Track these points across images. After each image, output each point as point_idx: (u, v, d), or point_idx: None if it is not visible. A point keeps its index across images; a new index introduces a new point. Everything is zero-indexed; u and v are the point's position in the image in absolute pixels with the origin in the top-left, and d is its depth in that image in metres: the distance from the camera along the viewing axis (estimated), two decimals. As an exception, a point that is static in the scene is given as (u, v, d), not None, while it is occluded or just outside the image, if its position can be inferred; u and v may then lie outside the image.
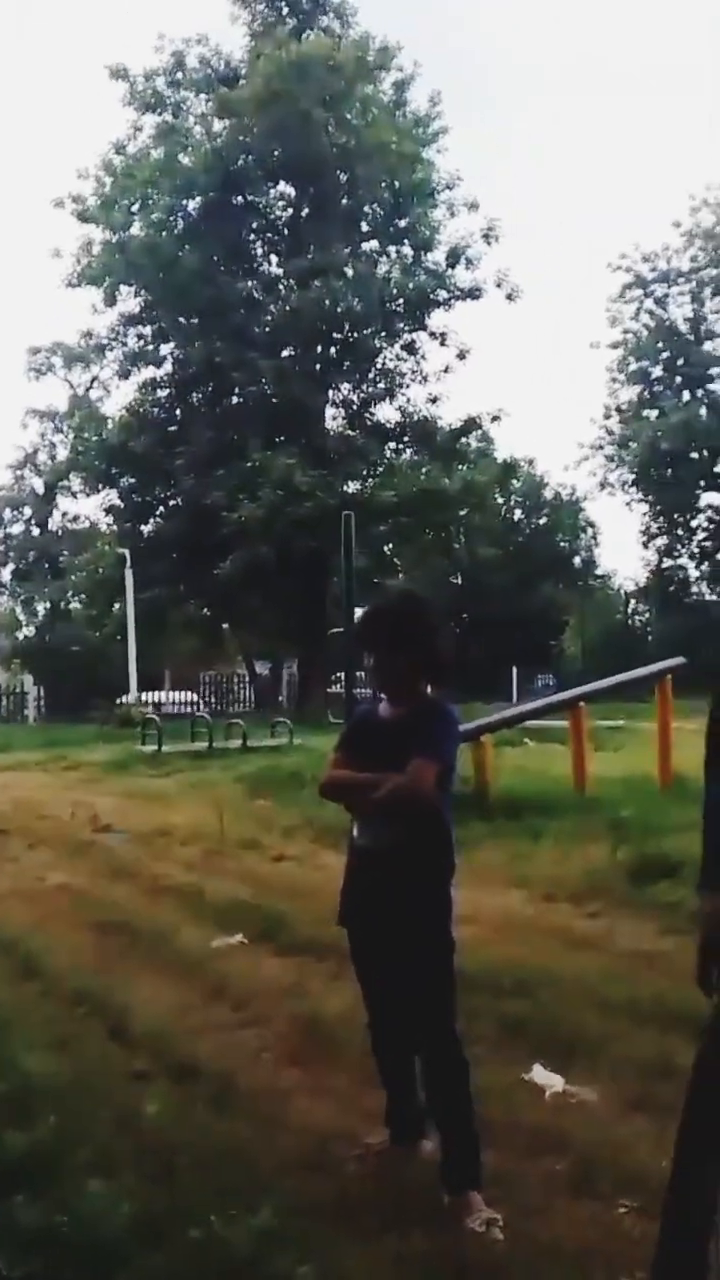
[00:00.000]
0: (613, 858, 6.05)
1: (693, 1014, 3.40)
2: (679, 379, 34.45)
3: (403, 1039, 2.63)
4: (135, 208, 25.41)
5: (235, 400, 26.13)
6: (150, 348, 27.05)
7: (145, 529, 27.30)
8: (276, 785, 10.36)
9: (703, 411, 33.07)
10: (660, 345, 34.39)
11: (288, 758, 12.89)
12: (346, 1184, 2.52)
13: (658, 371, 34.79)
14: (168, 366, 27.15)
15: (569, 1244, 2.24)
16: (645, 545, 36.92)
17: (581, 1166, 2.59)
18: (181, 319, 25.89)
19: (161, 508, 27.32)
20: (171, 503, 26.64)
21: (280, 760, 12.66)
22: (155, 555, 25.90)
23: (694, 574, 36.75)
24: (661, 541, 36.58)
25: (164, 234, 25.09)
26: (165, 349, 26.97)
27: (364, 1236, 2.25)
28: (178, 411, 27.03)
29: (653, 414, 34.06)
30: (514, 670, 31.79)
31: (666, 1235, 1.59)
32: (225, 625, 29.79)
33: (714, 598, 35.81)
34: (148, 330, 26.88)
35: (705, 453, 33.74)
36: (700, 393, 34.19)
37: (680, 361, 34.16)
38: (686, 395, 34.21)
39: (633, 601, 40.39)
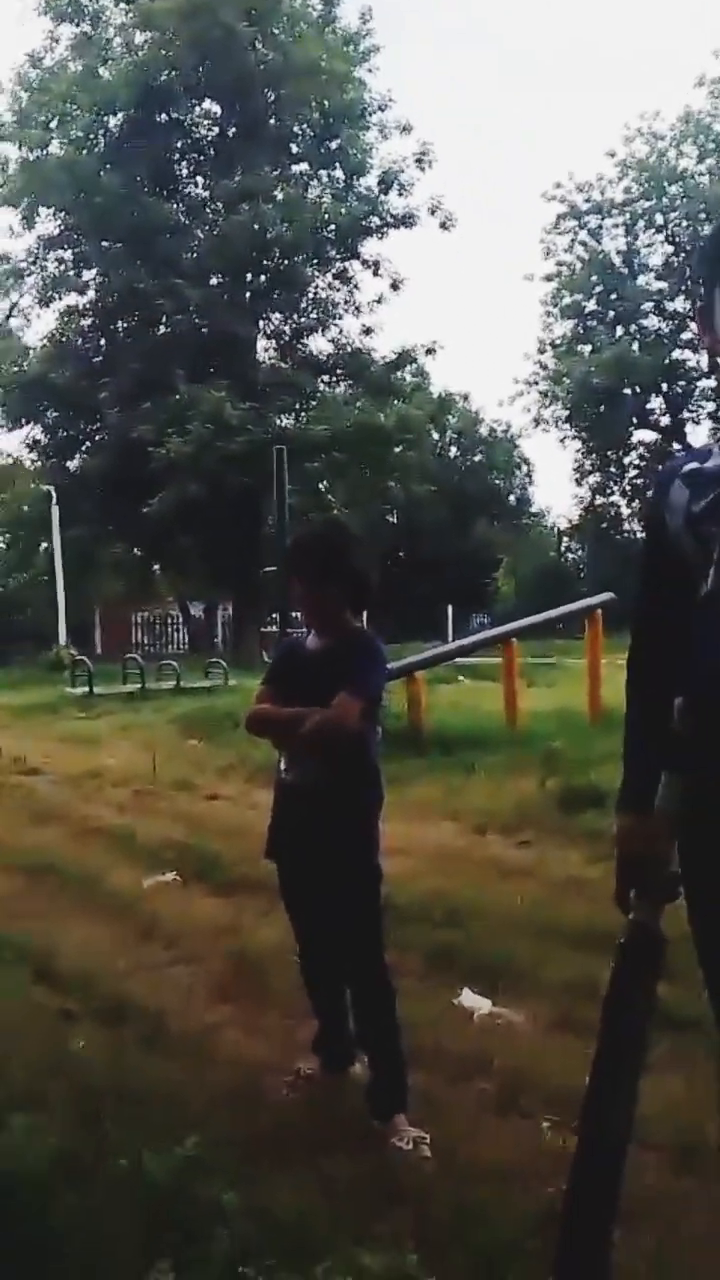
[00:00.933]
0: (542, 789, 6.15)
1: (614, 936, 3.51)
2: (612, 313, 34.37)
3: (332, 969, 2.66)
4: (53, 124, 24.31)
5: (162, 330, 25.34)
6: (71, 273, 26.16)
7: (70, 465, 26.59)
8: (210, 726, 10.32)
9: (635, 347, 33.10)
10: (594, 279, 34.19)
11: (222, 699, 12.85)
12: (275, 1114, 2.54)
13: (591, 305, 34.64)
14: (90, 294, 26.27)
15: (495, 1160, 2.30)
16: (578, 483, 37.19)
17: (507, 1086, 2.66)
18: (104, 243, 24.93)
19: (87, 443, 26.58)
20: (97, 438, 25.93)
21: (214, 701, 12.62)
22: (81, 493, 25.24)
23: (626, 511, 37.12)
24: (594, 479, 36.86)
25: (84, 152, 24.07)
26: (88, 275, 26.10)
27: (291, 1163, 2.28)
28: (102, 342, 26.22)
29: (586, 349, 33.99)
30: (449, 609, 31.99)
31: (584, 1147, 1.63)
32: (156, 566, 29.26)
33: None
34: (68, 255, 25.96)
35: (637, 389, 33.87)
36: (633, 328, 34.21)
37: (613, 296, 34.04)
38: (619, 330, 34.18)
39: (566, 539, 40.75)
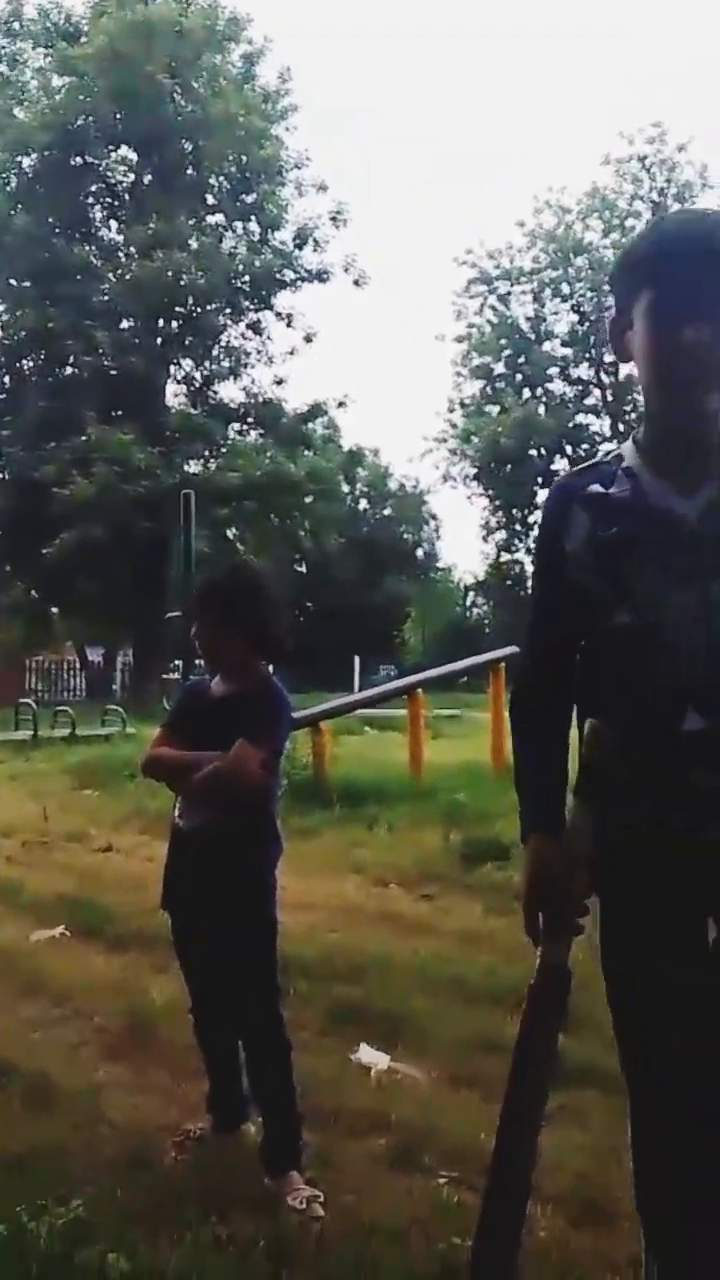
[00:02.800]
0: (445, 842, 6.15)
1: (514, 990, 3.50)
2: (519, 377, 35.49)
3: (225, 1023, 2.58)
4: (-37, 163, 24.13)
5: (70, 371, 25.13)
6: (-23, 310, 25.78)
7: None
8: (106, 775, 10.05)
9: (541, 410, 34.19)
10: (503, 342, 35.32)
11: (119, 747, 12.55)
12: (165, 1174, 2.45)
13: (500, 368, 35.74)
14: (-3, 331, 25.94)
15: (390, 1217, 2.25)
16: (485, 539, 37.98)
17: (405, 1142, 2.61)
18: (12, 281, 24.69)
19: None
20: (-2, 476, 25.44)
21: (111, 750, 12.31)
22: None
23: (530, 569, 37.92)
24: (500, 536, 37.70)
25: (-5, 192, 23.94)
26: (-6, 313, 25.75)
27: (182, 1223, 2.19)
28: (7, 379, 25.83)
29: (494, 410, 34.97)
30: (356, 660, 32.12)
31: (489, 1201, 1.59)
32: (54, 610, 28.56)
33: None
34: (-24, 293, 25.60)
35: (543, 450, 34.92)
36: (540, 391, 35.35)
37: (521, 360, 35.20)
38: (526, 393, 35.30)
39: (471, 594, 41.49)
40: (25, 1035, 3.38)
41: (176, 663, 19.75)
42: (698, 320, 1.39)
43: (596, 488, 1.55)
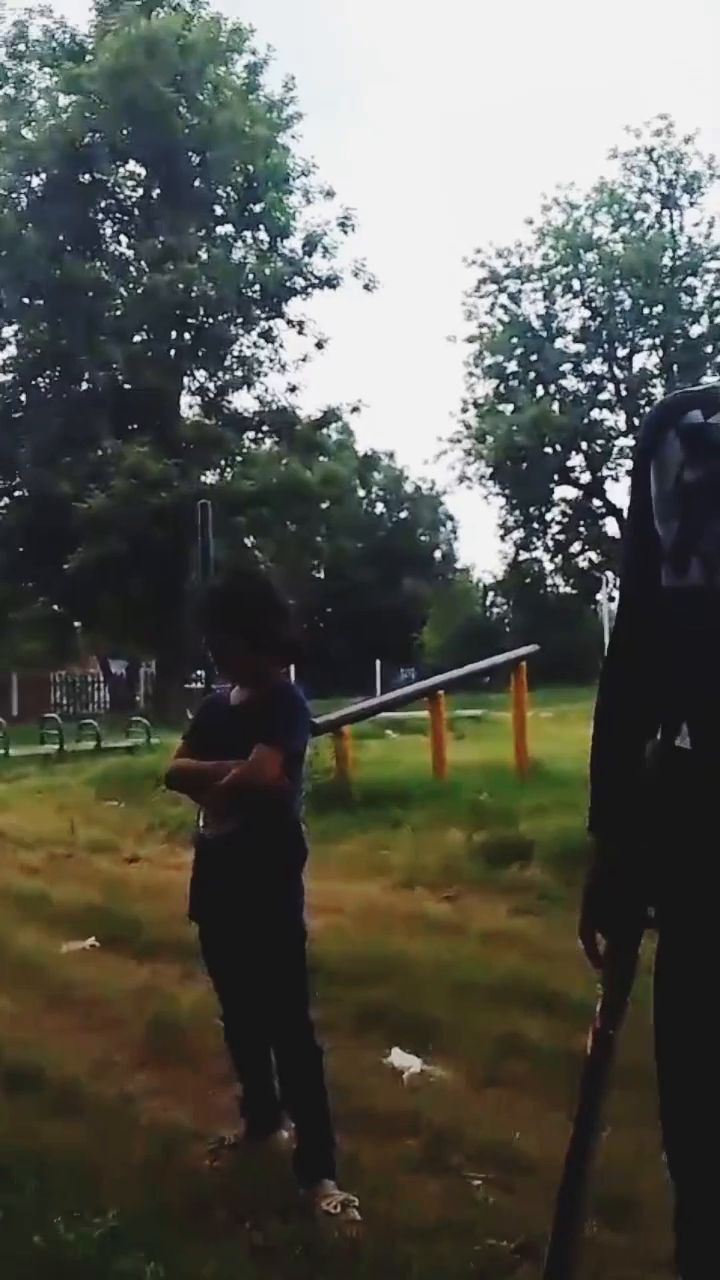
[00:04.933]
0: (469, 843, 6.14)
1: (541, 989, 3.51)
2: (532, 374, 35.41)
3: (256, 1031, 2.58)
4: (-27, 182, 24.38)
5: (84, 386, 25.28)
6: (-9, 329, 26.01)
7: (-14, 520, 26.20)
8: (130, 786, 10.11)
9: (555, 407, 34.11)
10: (514, 341, 35.25)
11: (143, 758, 12.61)
12: (198, 1182, 2.45)
13: (512, 367, 35.66)
14: (11, 350, 26.06)
15: (425, 1219, 2.25)
16: (502, 539, 37.89)
17: (437, 1144, 2.61)
18: (25, 299, 24.90)
19: (5, 498, 26.18)
20: (16, 493, 25.58)
21: (135, 761, 12.38)
22: (-2, 548, 24.89)
23: (549, 566, 37.90)
24: (518, 535, 37.61)
25: (5, 210, 24.10)
26: (8, 331, 25.88)
27: (217, 1232, 2.20)
28: (23, 397, 25.99)
29: (508, 408, 34.90)
30: (377, 664, 32.14)
31: (565, 1201, 1.59)
32: (77, 624, 28.73)
33: (568, 590, 36.99)
34: (-12, 311, 25.85)
35: (558, 447, 34.83)
36: (553, 388, 35.26)
37: (533, 358, 35.12)
38: (540, 391, 35.22)
39: (490, 594, 41.37)
40: (56, 1045, 3.41)
41: (199, 672, 19.84)
42: None
43: (696, 416, 1.35)
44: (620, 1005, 1.52)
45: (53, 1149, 2.55)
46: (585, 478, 36.06)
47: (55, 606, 26.76)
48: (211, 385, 26.85)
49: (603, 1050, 1.55)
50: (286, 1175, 2.44)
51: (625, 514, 1.46)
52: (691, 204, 34.00)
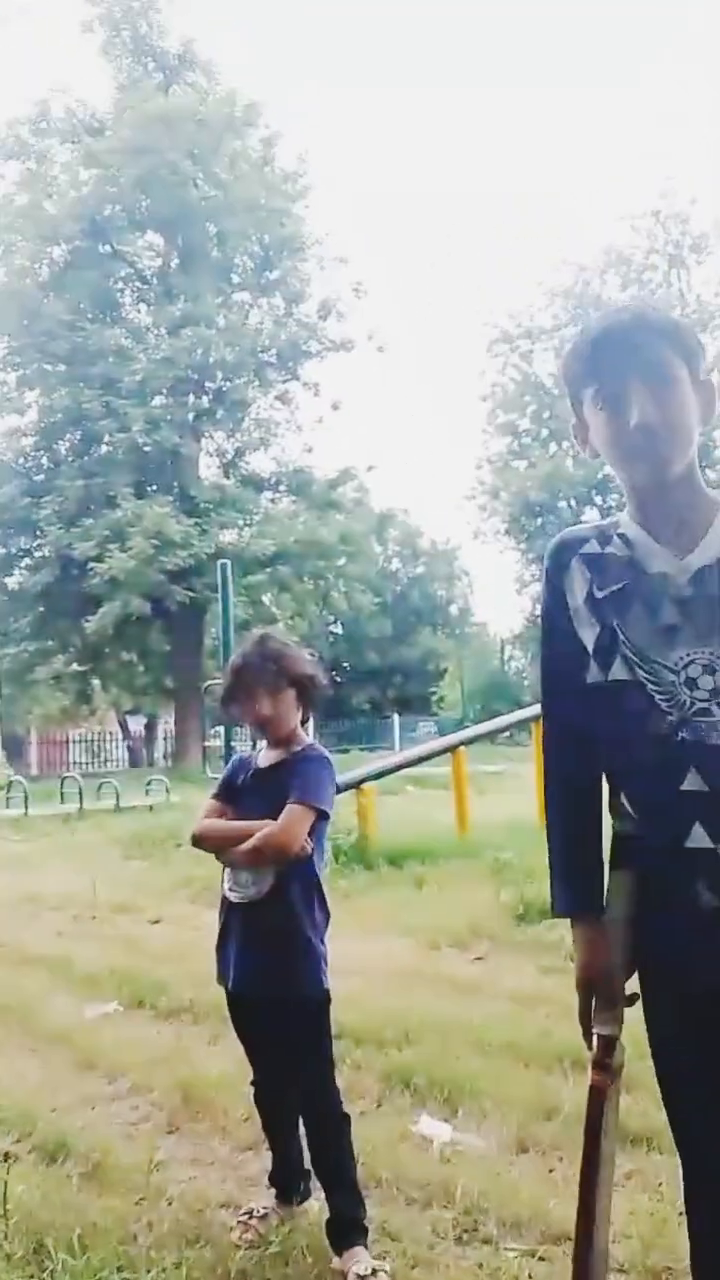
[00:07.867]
0: (495, 901, 6.08)
1: (572, 1049, 3.45)
2: (545, 431, 35.79)
3: (283, 1096, 2.57)
4: (-3, 254, 25.10)
5: (104, 449, 25.75)
6: (14, 395, 26.54)
7: (9, 582, 26.50)
8: (152, 845, 10.06)
9: (569, 463, 34.39)
10: (526, 398, 35.71)
11: (163, 816, 12.58)
12: (228, 1251, 2.42)
13: (525, 424, 36.08)
14: (33, 414, 26.65)
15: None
16: (519, 592, 37.96)
17: (468, 1212, 2.57)
18: (47, 366, 25.50)
19: (27, 558, 26.56)
20: (38, 554, 25.95)
21: (156, 819, 12.34)
22: (20, 609, 25.12)
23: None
24: (535, 589, 37.64)
25: (27, 280, 24.80)
26: (30, 396, 26.47)
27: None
28: (44, 460, 26.49)
29: (522, 464, 35.23)
30: (395, 719, 32.06)
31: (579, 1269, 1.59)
32: (96, 681, 28.87)
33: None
34: (11, 377, 26.38)
35: (572, 502, 35.04)
36: (566, 444, 35.55)
37: (546, 415, 35.52)
38: (553, 447, 35.55)
39: (508, 648, 41.35)
40: (82, 1112, 3.37)
41: (217, 729, 19.85)
42: (636, 401, 1.48)
43: (593, 546, 1.60)
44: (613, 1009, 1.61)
45: (85, 1220, 2.53)
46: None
47: (75, 665, 26.94)
48: (230, 446, 27.32)
49: (598, 1107, 1.60)
50: (317, 1245, 2.40)
51: (541, 621, 1.67)
52: (699, 263, 34.64)
